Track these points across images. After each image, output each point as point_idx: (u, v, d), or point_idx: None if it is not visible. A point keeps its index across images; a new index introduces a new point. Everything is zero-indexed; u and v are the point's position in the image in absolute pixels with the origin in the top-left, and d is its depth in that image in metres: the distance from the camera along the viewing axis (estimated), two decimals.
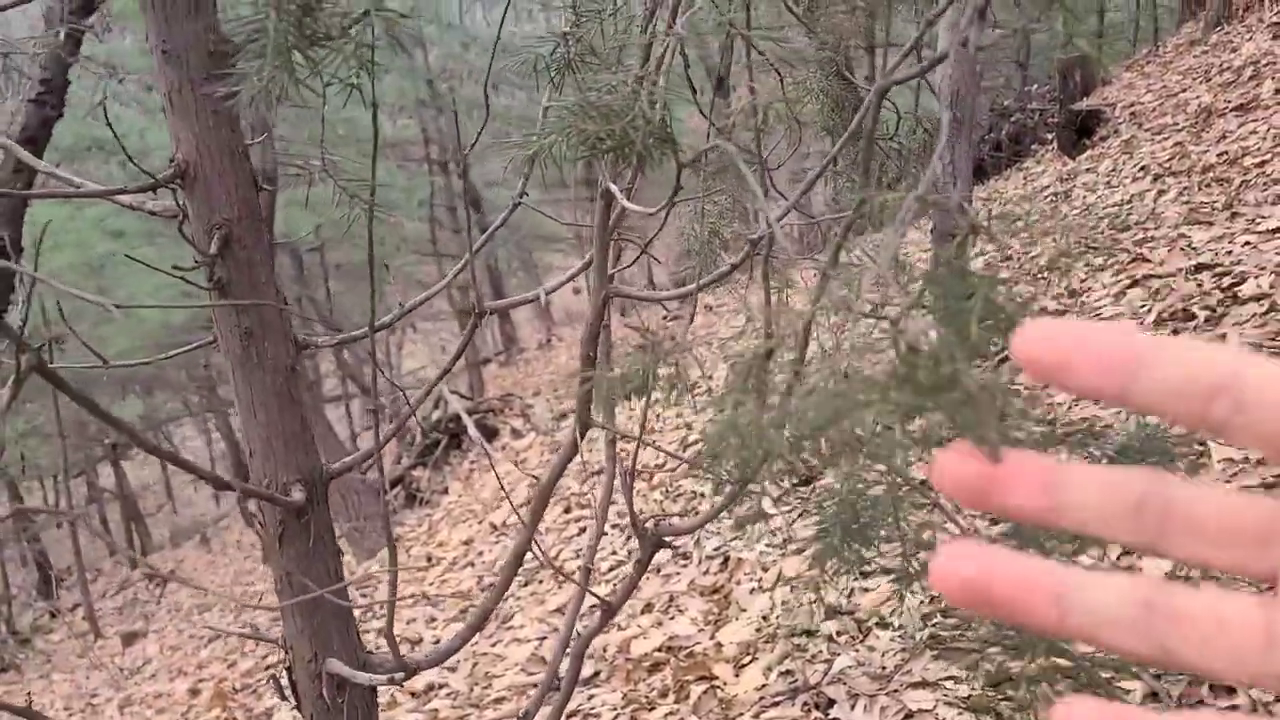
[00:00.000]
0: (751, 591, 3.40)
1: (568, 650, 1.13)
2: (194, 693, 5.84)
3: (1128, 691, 2.18)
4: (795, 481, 3.99)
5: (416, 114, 13.66)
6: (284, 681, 1.10)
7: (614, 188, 0.74)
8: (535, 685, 3.45)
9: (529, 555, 1.03)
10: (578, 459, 1.10)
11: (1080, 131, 7.40)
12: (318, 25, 0.44)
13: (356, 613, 1.15)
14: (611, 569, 4.26)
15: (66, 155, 8.99)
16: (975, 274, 0.57)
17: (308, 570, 0.99)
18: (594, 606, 0.96)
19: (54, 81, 4.42)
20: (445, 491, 8.46)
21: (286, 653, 1.05)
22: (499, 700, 3.51)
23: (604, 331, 0.94)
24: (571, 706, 3.20)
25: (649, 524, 0.86)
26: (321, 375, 14.93)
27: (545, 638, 3.88)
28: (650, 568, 4.10)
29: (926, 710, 2.36)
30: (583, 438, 0.87)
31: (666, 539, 0.86)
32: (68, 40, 4.47)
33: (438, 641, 4.53)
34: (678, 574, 3.81)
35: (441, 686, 3.82)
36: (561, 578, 4.35)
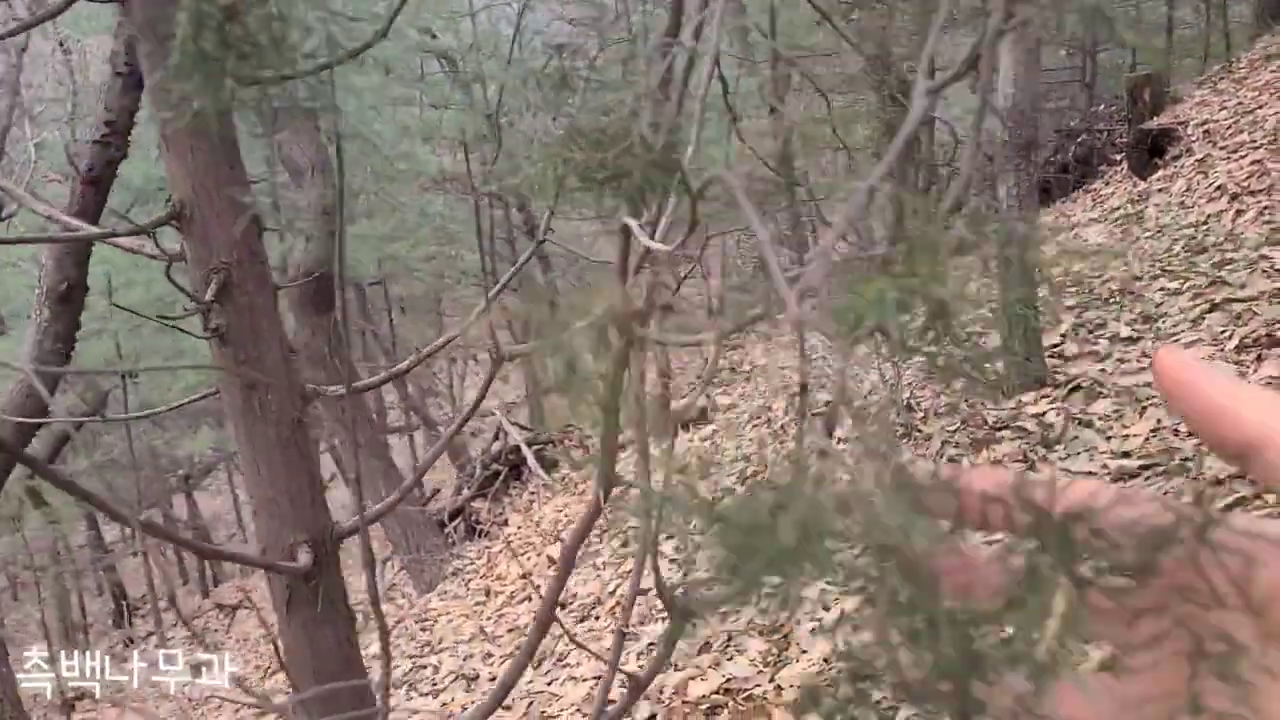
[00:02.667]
0: (812, 631, 3.28)
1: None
2: None
3: None
4: None
5: (477, 148, 13.79)
6: None
7: (632, 223, 0.67)
8: None
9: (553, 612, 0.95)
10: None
11: (1151, 151, 7.16)
12: (246, 33, 0.37)
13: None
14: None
15: (139, 195, 9.21)
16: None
17: (317, 640, 0.92)
18: (625, 682, 0.88)
19: (117, 123, 4.50)
20: (505, 523, 8.43)
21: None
22: None
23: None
24: None
25: (677, 592, 0.78)
26: (385, 406, 15.07)
27: (601, 676, 3.79)
28: None
29: None
30: (607, 497, 0.79)
31: (697, 611, 0.77)
32: (131, 81, 4.55)
33: (494, 679, 4.47)
34: (736, 612, 3.70)
35: None
36: (619, 612, 4.26)
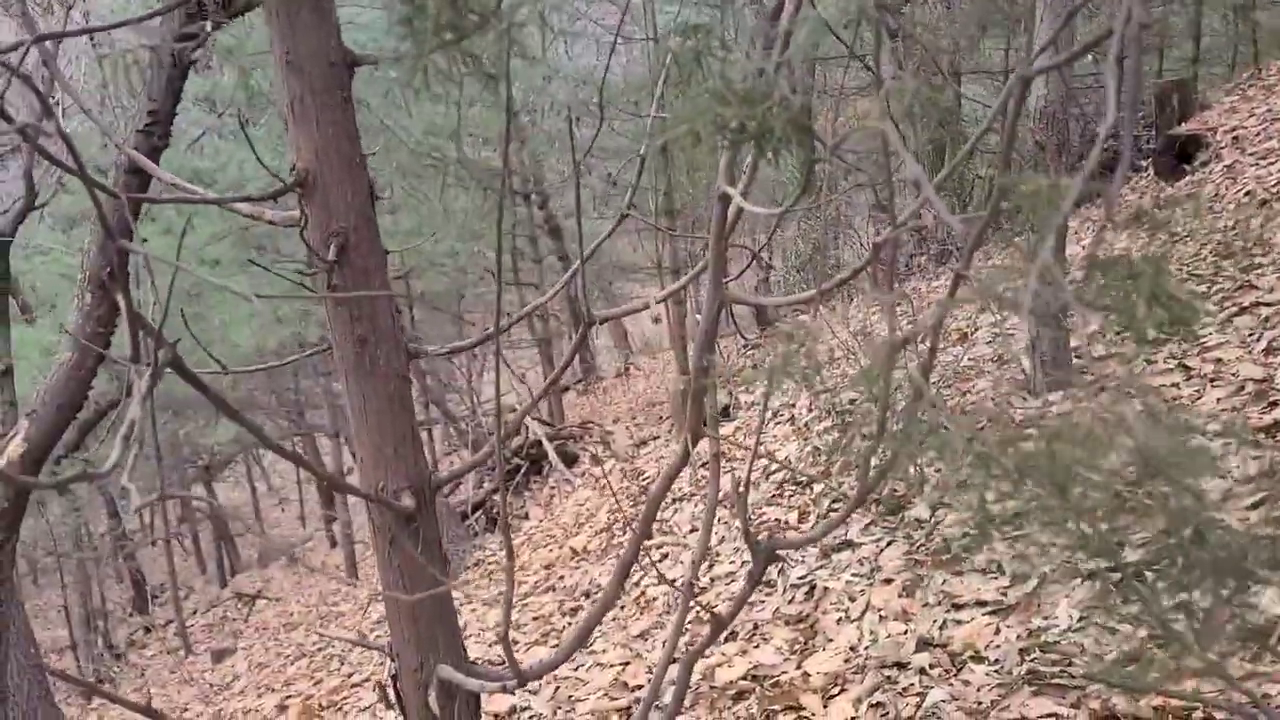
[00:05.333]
0: (839, 621, 3.33)
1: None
2: (281, 709, 5.94)
3: None
4: (883, 510, 3.92)
5: (500, 146, 13.88)
6: (390, 690, 1.10)
7: (732, 190, 0.73)
8: (619, 710, 3.43)
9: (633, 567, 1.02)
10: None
11: (1179, 157, 7.18)
12: (471, 4, 0.44)
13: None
14: (696, 594, 4.22)
15: (170, 186, 9.34)
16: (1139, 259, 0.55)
17: (416, 578, 0.99)
18: (693, 623, 0.94)
19: (161, 112, 4.60)
20: (526, 516, 8.50)
21: (393, 660, 1.06)
22: None
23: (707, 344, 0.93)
24: None
25: (762, 536, 0.83)
26: None
27: (628, 663, 3.85)
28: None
29: None
30: (694, 445, 0.86)
31: (780, 552, 0.83)
32: (174, 71, 4.65)
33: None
34: (762, 602, 3.75)
35: (524, 709, 3.81)
36: (644, 602, 4.33)
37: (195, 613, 13.91)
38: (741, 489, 0.96)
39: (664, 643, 3.81)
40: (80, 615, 12.99)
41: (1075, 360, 4.14)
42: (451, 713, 1.01)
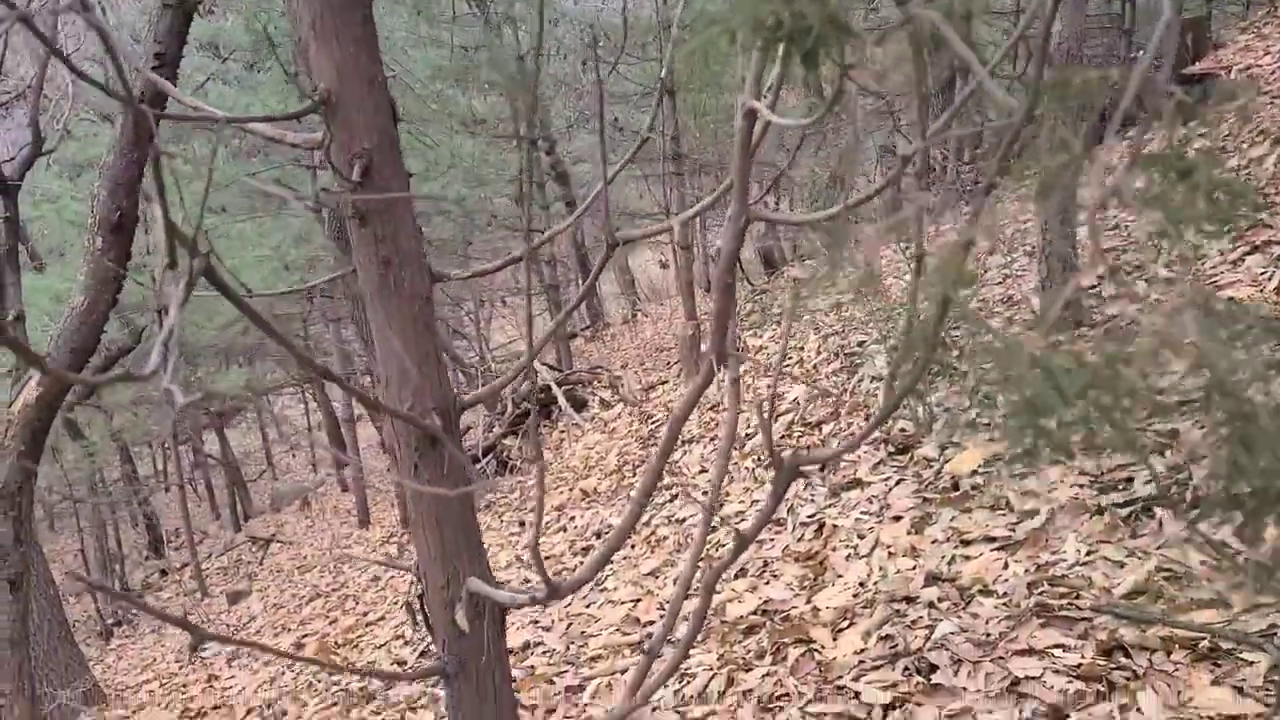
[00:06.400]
0: (848, 558, 3.37)
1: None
2: (298, 646, 6.05)
3: (1250, 663, 2.11)
4: (892, 450, 3.94)
5: (506, 91, 13.76)
6: (416, 609, 1.13)
7: (758, 105, 0.73)
8: (630, 644, 3.49)
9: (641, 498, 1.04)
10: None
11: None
12: None
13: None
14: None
15: (174, 133, 9.29)
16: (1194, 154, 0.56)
17: (441, 498, 1.01)
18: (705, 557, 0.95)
19: (167, 55, 4.56)
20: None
21: (419, 580, 1.08)
22: (595, 658, 3.55)
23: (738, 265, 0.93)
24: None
25: (786, 453, 0.85)
26: None
27: (639, 599, 3.91)
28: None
29: (1034, 677, 2.31)
30: (719, 366, 0.87)
31: (803, 468, 0.85)
32: (178, 15, 4.61)
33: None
34: (772, 540, 3.80)
35: (538, 645, 3.88)
36: (655, 541, 4.38)
37: (210, 556, 14.09)
38: (766, 405, 0.98)
39: (675, 580, 3.86)
40: (97, 559, 13.17)
41: (1086, 301, 4.14)
42: (479, 629, 1.03)
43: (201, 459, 17.47)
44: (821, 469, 4.11)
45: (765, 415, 0.89)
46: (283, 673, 5.50)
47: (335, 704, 4.39)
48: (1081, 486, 3.05)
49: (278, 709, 4.70)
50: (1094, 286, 4.32)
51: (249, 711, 4.93)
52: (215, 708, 5.37)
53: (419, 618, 1.11)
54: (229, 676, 6.11)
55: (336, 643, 5.59)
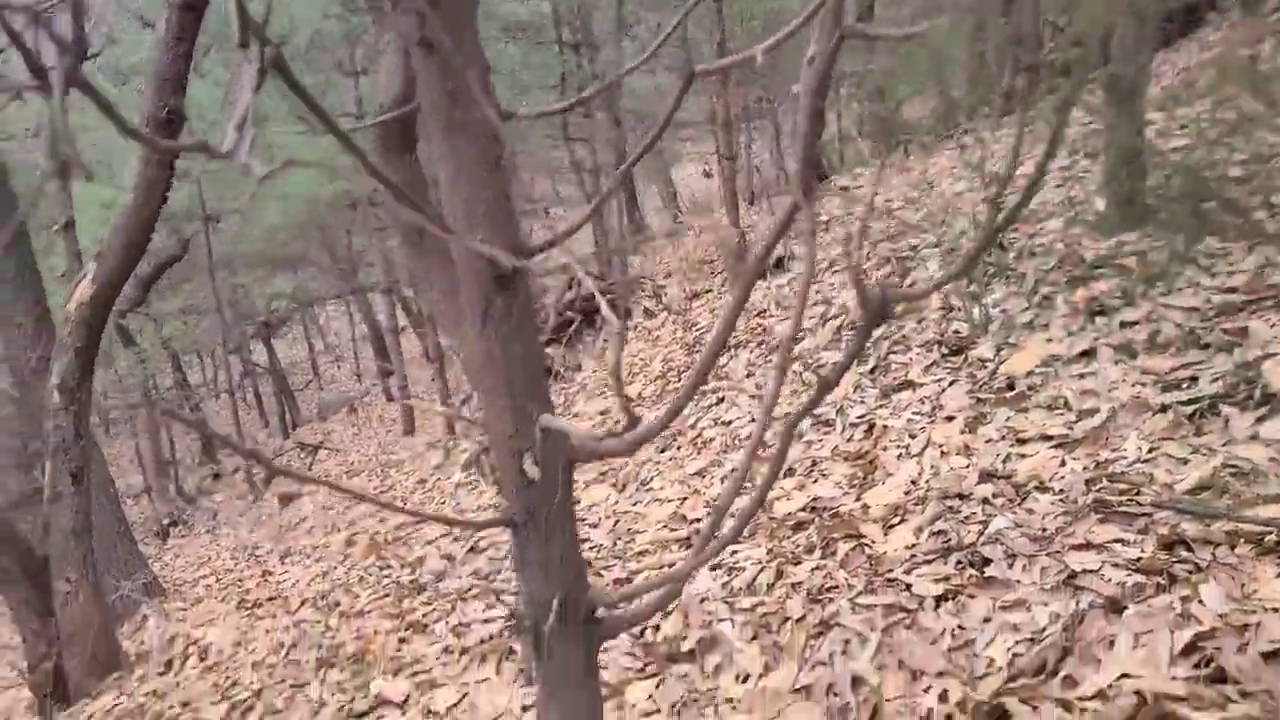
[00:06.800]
0: (898, 457, 3.35)
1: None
2: (349, 544, 6.19)
3: None
4: (945, 351, 3.88)
5: None
6: (483, 463, 1.12)
7: None
8: (678, 540, 3.51)
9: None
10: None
11: None
12: None
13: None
14: (750, 435, 4.26)
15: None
16: None
17: (511, 345, 0.98)
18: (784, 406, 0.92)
19: None
20: (579, 368, 8.60)
21: (486, 431, 1.06)
22: (641, 553, 3.59)
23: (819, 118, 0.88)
24: (714, 560, 3.25)
25: (878, 288, 0.81)
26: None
27: (686, 498, 3.93)
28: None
29: (1091, 570, 2.29)
30: (808, 197, 0.82)
31: (894, 304, 0.81)
32: None
33: (576, 502, 4.64)
34: (820, 440, 3.78)
35: (584, 540, 3.92)
36: (701, 443, 4.38)
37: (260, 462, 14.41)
38: (855, 235, 0.94)
39: (722, 479, 3.86)
40: (152, 463, 13.52)
41: (1151, 201, 4.00)
42: (548, 478, 1.02)
43: (250, 368, 17.77)
44: (873, 371, 4.06)
45: (854, 248, 0.85)
46: (334, 567, 5.63)
47: (387, 595, 4.49)
48: (1144, 385, 2.98)
49: (331, 600, 4.83)
50: (1160, 186, 4.17)
51: (303, 603, 5.06)
52: (271, 599, 5.53)
53: (485, 470, 1.10)
54: (282, 572, 6.28)
55: (386, 539, 5.71)
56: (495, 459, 1.07)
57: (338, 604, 4.72)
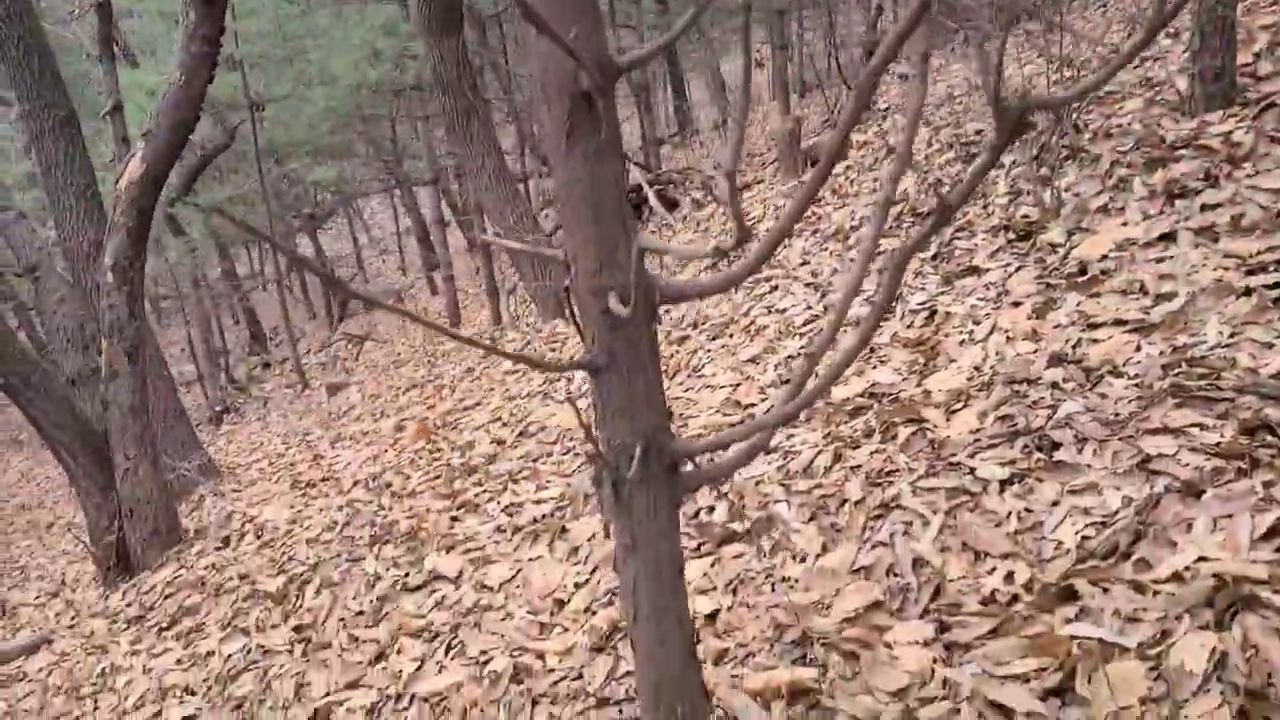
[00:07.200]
0: (961, 343, 3.26)
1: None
2: (399, 428, 6.26)
3: None
4: (1012, 237, 3.75)
5: None
6: (565, 301, 1.06)
7: None
8: (731, 424, 3.47)
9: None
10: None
11: None
12: None
13: None
14: (806, 322, 4.18)
15: None
16: None
17: (597, 169, 0.91)
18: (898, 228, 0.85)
19: None
20: None
21: (568, 269, 1.00)
22: (695, 436, 3.56)
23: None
24: (771, 443, 3.21)
25: (1017, 97, 0.72)
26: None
27: (739, 384, 3.88)
28: (847, 319, 3.98)
29: (1167, 455, 2.21)
30: (850, 131, 0.73)
31: (1033, 110, 0.72)
32: None
33: None
34: (879, 327, 3.68)
35: None
36: (754, 330, 4.31)
37: (309, 352, 14.60)
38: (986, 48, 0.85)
39: (775, 366, 3.80)
40: (204, 351, 13.74)
41: (1239, 79, 3.77)
42: (635, 316, 0.96)
43: (296, 259, 17.86)
44: (935, 258, 3.94)
45: (992, 66, 0.76)
46: (385, 450, 5.70)
47: (438, 477, 4.53)
48: (1226, 269, 2.84)
49: (383, 481, 4.89)
50: (1249, 64, 3.94)
51: (355, 484, 5.14)
52: (323, 480, 5.63)
53: (567, 310, 1.05)
54: (334, 456, 6.38)
55: (435, 424, 5.75)
56: (578, 299, 1.01)
57: (389, 485, 4.78)
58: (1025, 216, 3.78)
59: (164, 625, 4.21)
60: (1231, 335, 2.55)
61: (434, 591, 3.33)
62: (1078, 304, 3.05)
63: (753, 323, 4.51)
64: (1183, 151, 3.54)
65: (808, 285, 4.57)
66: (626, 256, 0.94)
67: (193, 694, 3.42)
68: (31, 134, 6.11)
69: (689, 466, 1.10)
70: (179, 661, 3.75)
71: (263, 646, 3.51)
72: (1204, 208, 3.20)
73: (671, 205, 8.85)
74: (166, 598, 4.56)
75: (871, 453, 2.83)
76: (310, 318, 19.04)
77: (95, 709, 3.68)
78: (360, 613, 3.41)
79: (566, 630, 2.75)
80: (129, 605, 4.71)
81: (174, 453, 6.99)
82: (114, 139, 6.60)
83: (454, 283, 11.83)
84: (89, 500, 5.23)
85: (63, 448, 5.09)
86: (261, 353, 15.46)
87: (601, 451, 1.01)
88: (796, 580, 2.46)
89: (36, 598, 6.05)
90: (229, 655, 3.58)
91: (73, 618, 5.08)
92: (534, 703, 2.47)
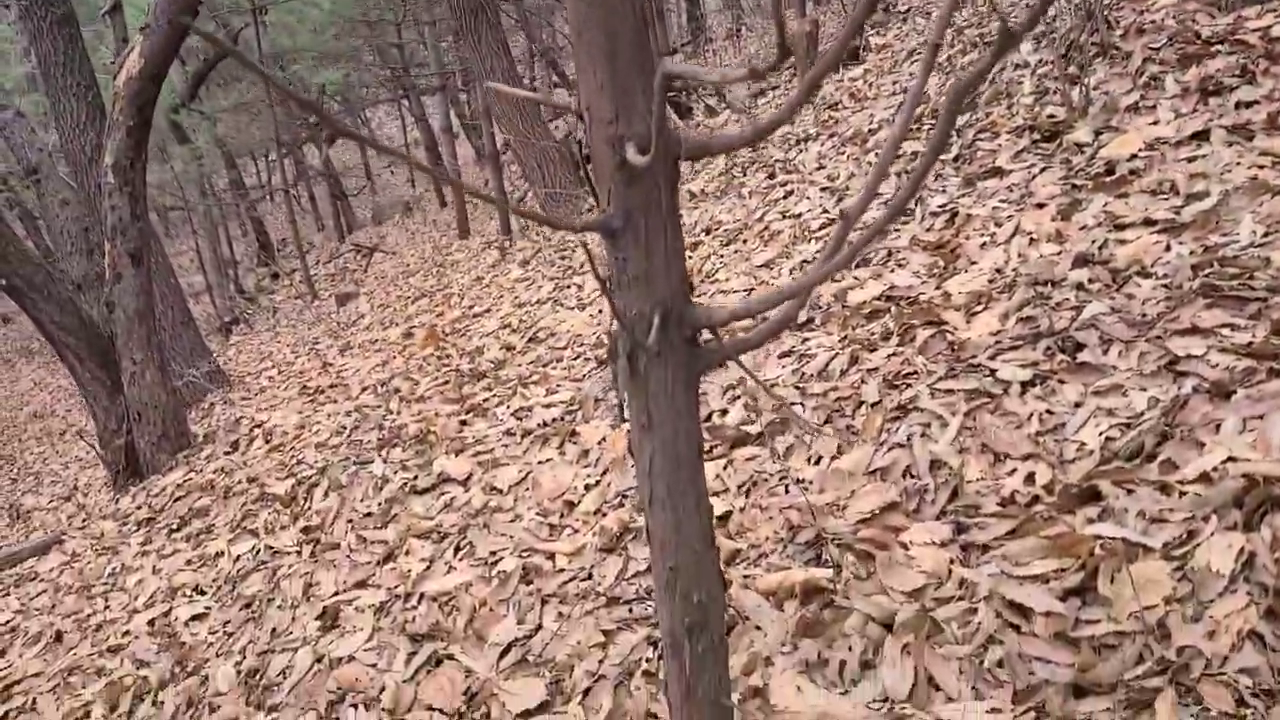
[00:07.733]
0: (983, 246, 3.16)
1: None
2: (408, 335, 6.21)
3: None
4: (1037, 137, 3.62)
5: None
6: (578, 153, 1.00)
7: None
8: (744, 330, 3.40)
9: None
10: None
11: None
12: None
13: None
14: (822, 226, 4.08)
15: None
16: None
17: (609, 16, 0.83)
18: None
19: None
20: None
21: (581, 118, 0.92)
22: (708, 341, 3.49)
23: None
24: (784, 346, 3.15)
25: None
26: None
27: (752, 289, 3.80)
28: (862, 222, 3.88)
29: (1196, 355, 2.14)
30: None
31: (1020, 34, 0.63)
32: None
33: None
34: (896, 230, 3.59)
35: None
36: (768, 235, 4.22)
37: (317, 263, 14.52)
38: None
39: (790, 271, 3.72)
40: (212, 261, 13.67)
41: None
42: (654, 172, 0.88)
43: (304, 169, 17.64)
44: (956, 159, 3.82)
45: None
46: (394, 358, 5.66)
47: (447, 382, 4.50)
48: (1261, 167, 2.73)
49: (391, 387, 4.86)
50: None
51: (364, 389, 5.11)
52: (331, 386, 5.60)
53: (581, 167, 0.99)
54: (342, 363, 6.35)
55: (444, 332, 5.70)
56: (593, 153, 0.93)
57: (398, 391, 4.75)
58: (1051, 116, 3.64)
59: (174, 527, 4.23)
60: (1266, 234, 2.45)
61: (443, 494, 3.32)
62: (1104, 204, 2.95)
63: (767, 228, 4.41)
64: (1218, 47, 3.39)
65: (823, 189, 4.45)
66: (645, 104, 0.86)
67: (202, 593, 3.44)
68: (30, 34, 5.96)
69: (710, 340, 1.04)
70: (188, 562, 3.76)
71: (271, 548, 3.52)
72: (1239, 105, 3.07)
73: (684, 113, 8.65)
74: (176, 500, 4.57)
75: (889, 355, 2.76)
76: (319, 229, 18.91)
77: (106, 607, 3.71)
78: (369, 515, 3.40)
79: (576, 532, 2.73)
80: (139, 508, 4.73)
81: (182, 359, 6.98)
82: (114, 39, 6.44)
83: (462, 193, 11.67)
84: (97, 404, 5.22)
85: (69, 351, 5.06)
86: (270, 263, 15.37)
87: (620, 317, 0.94)
88: (811, 482, 2.42)
89: (49, 502, 6.10)
90: (238, 556, 3.59)
91: (84, 520, 5.12)
92: (543, 602, 2.46)
